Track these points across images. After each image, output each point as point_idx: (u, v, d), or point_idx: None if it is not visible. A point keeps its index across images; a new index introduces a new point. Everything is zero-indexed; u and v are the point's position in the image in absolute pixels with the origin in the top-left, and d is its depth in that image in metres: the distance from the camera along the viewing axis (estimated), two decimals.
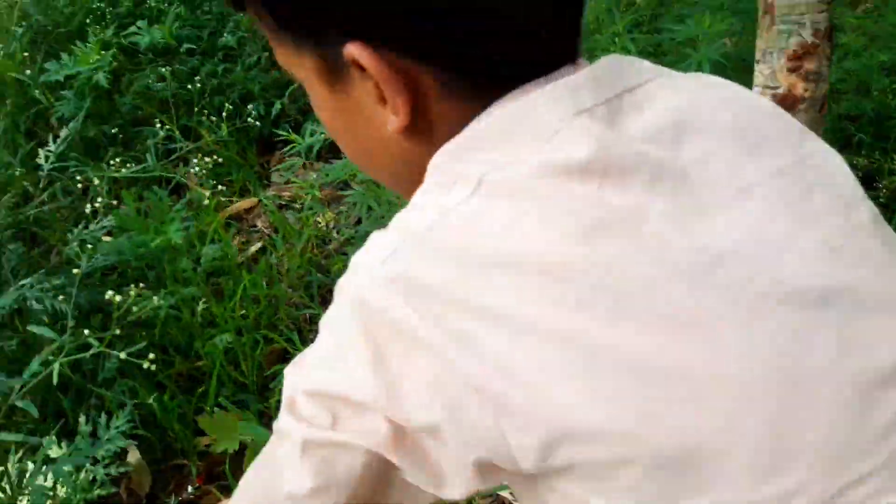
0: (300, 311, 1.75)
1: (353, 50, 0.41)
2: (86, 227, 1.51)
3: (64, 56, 2.14)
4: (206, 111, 2.24)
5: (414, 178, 0.46)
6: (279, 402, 0.48)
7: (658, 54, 1.98)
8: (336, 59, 0.43)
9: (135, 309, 1.23)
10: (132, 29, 2.34)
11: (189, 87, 2.26)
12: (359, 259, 0.43)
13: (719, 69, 1.72)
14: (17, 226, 1.42)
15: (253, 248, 2.06)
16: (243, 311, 1.65)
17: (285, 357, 1.63)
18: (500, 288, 0.38)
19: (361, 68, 0.42)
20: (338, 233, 2.11)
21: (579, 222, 0.39)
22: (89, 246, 1.48)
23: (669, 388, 0.37)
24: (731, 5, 1.79)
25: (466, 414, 0.39)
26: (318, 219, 2.07)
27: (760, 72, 1.50)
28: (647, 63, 0.49)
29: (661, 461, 0.37)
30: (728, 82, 0.52)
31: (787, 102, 1.48)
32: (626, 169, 0.40)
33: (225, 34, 2.23)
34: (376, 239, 0.43)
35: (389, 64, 0.41)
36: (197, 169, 2.06)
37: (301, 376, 0.46)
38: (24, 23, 2.43)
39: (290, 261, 1.85)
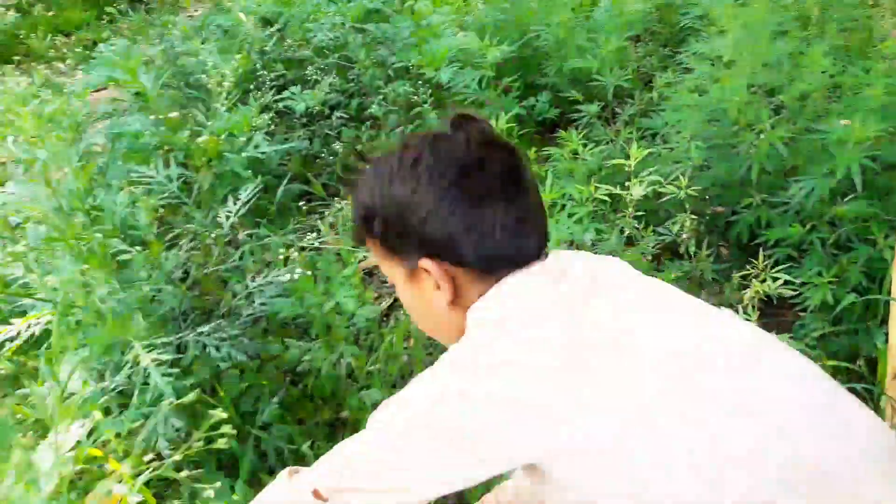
0: None
1: (424, 262, 0.82)
2: (252, 281, 1.65)
3: (227, 114, 2.35)
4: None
5: (453, 333, 0.86)
6: None
7: (803, 152, 1.98)
8: (413, 267, 0.84)
9: (306, 358, 1.33)
10: (286, 94, 2.55)
11: (332, 147, 2.44)
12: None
13: (868, 171, 1.73)
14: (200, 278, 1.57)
15: (384, 304, 2.17)
16: (379, 366, 1.75)
17: None
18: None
19: (427, 271, 0.83)
20: None
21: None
22: (256, 301, 1.61)
23: None
24: (884, 109, 1.79)
25: None
26: None
27: None
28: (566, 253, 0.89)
29: None
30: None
31: None
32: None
33: (373, 104, 2.39)
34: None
35: (441, 267, 0.82)
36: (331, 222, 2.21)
37: None
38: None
39: None
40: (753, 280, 1.67)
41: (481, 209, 0.80)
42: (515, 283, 0.81)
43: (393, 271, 0.89)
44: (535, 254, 0.84)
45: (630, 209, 1.89)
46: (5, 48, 3.87)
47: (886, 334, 1.57)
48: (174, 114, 2.35)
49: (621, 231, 1.91)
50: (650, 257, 1.93)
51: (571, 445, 0.70)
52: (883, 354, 1.61)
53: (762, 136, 1.84)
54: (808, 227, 1.82)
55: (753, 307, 1.63)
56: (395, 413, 0.80)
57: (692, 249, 1.89)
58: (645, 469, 0.69)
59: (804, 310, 1.79)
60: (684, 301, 0.84)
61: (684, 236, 1.91)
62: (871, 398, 1.73)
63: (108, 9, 4.49)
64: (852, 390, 1.81)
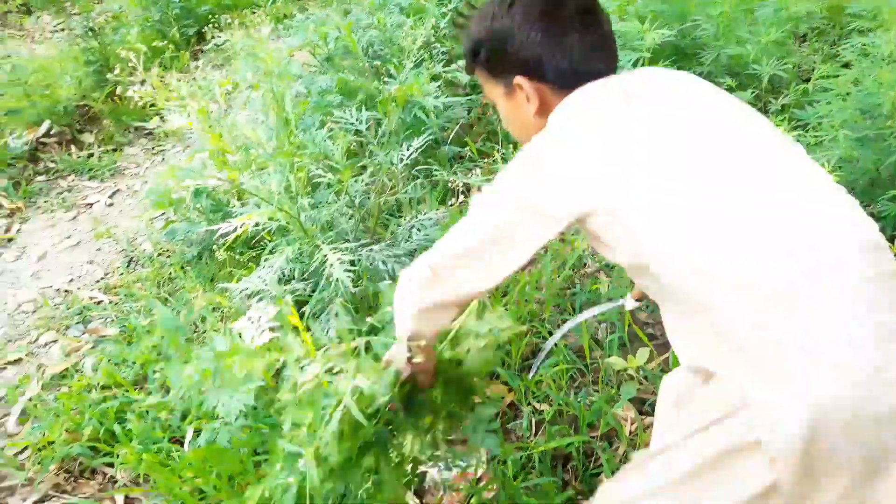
0: (562, 316, 2.02)
1: (517, 79, 1.08)
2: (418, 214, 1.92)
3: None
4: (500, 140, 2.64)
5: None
6: None
7: None
8: (510, 85, 1.10)
9: None
10: (453, 66, 2.81)
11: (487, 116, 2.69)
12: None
13: None
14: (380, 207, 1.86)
15: None
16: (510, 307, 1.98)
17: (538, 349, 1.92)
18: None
19: (520, 87, 1.08)
20: (592, 260, 2.37)
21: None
22: (417, 233, 1.88)
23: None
24: None
25: None
26: (580, 244, 2.35)
27: None
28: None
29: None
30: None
31: None
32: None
33: None
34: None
35: (531, 83, 1.07)
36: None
37: None
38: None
39: (555, 271, 2.14)
40: None
41: (561, 36, 1.05)
42: (586, 89, 1.02)
43: (495, 91, 1.15)
44: (605, 73, 1.06)
45: None
46: (204, 20, 4.43)
47: None
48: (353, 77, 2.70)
49: None
50: None
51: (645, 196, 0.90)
52: None
53: None
54: None
55: None
56: (487, 193, 1.02)
57: None
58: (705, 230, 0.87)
59: None
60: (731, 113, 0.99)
61: None
62: None
63: None
64: None
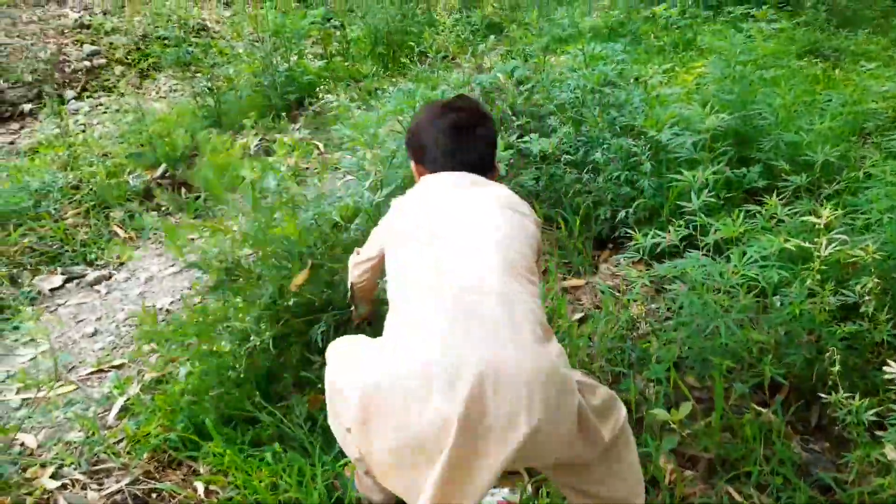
0: (613, 369, 2.17)
1: (412, 163, 1.77)
2: None
3: None
4: (564, 208, 2.85)
5: None
6: None
7: None
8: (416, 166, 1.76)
9: None
10: (526, 138, 3.08)
11: (555, 186, 2.91)
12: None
13: None
14: None
15: (576, 316, 2.56)
16: None
17: None
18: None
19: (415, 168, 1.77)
20: (646, 324, 2.50)
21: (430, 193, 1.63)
22: None
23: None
24: None
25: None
26: (633, 308, 2.49)
27: None
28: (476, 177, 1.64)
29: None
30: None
31: None
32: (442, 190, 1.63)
33: (597, 153, 2.82)
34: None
35: (415, 165, 1.76)
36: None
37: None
38: None
39: (608, 329, 2.29)
40: None
41: (436, 144, 1.64)
42: (428, 181, 1.65)
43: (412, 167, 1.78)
44: (459, 169, 1.63)
45: (816, 263, 2.09)
46: (311, 87, 4.91)
47: None
48: None
49: (802, 281, 2.11)
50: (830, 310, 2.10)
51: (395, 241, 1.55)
52: None
53: None
54: None
55: None
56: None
57: (871, 311, 2.03)
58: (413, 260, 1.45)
59: None
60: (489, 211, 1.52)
61: (866, 298, 2.06)
62: None
63: (391, 66, 5.51)
64: None
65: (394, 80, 5.43)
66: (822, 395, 1.98)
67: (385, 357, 1.28)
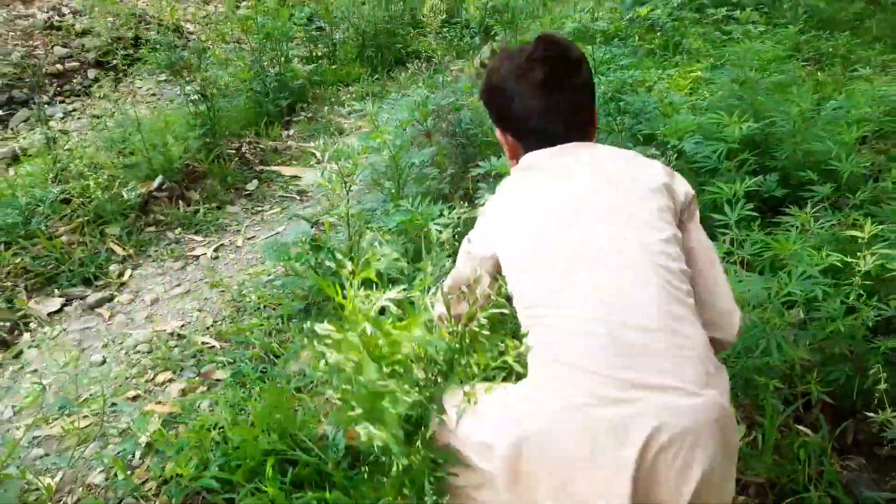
0: None
1: (497, 132, 1.45)
2: None
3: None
4: None
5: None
6: None
7: None
8: (498, 127, 1.43)
9: None
10: None
11: None
12: None
13: None
14: None
15: None
16: None
17: None
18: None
19: (504, 135, 1.42)
20: None
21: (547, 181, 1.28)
22: None
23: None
24: None
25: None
26: None
27: None
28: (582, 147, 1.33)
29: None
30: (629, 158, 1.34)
31: None
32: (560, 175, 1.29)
33: None
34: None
35: (504, 136, 1.43)
36: None
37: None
38: None
39: None
40: None
41: (526, 111, 1.32)
42: (529, 157, 1.34)
43: (498, 133, 1.45)
44: (561, 138, 1.32)
45: (857, 279, 2.07)
46: (302, 92, 4.77)
47: None
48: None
49: (846, 297, 2.09)
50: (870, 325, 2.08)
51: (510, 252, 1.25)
52: None
53: None
54: None
55: None
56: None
57: None
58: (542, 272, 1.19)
59: None
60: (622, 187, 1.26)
61: None
62: None
63: (380, 69, 5.40)
64: None
65: (383, 83, 5.33)
66: (867, 413, 1.96)
67: (534, 400, 1.09)
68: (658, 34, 5.72)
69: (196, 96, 3.65)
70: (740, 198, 2.38)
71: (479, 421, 1.17)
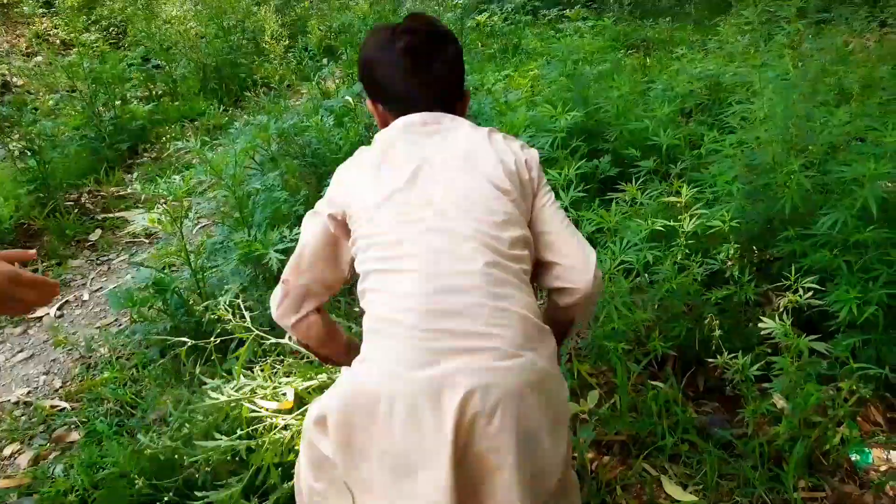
0: None
1: (367, 102, 1.43)
2: None
3: None
4: None
5: None
6: None
7: (826, 192, 2.33)
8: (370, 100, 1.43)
9: None
10: None
11: None
12: None
13: (881, 203, 2.05)
14: None
15: None
16: None
17: None
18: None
19: (375, 106, 1.42)
20: None
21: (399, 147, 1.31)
22: None
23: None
24: (892, 154, 2.14)
25: None
26: None
27: None
28: (443, 116, 1.35)
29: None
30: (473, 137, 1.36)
31: None
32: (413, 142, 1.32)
33: None
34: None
35: (374, 105, 1.42)
36: None
37: None
38: None
39: None
40: (787, 293, 1.99)
41: (393, 79, 1.35)
42: (395, 126, 1.34)
43: (369, 104, 1.45)
44: (425, 107, 1.34)
45: (682, 239, 2.25)
46: (143, 133, 4.59)
47: None
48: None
49: (675, 259, 2.26)
50: (699, 279, 2.27)
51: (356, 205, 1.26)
52: None
53: (793, 177, 2.21)
54: (834, 252, 2.14)
55: (788, 313, 1.95)
56: None
57: (736, 274, 2.22)
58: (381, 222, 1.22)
59: (838, 330, 2.10)
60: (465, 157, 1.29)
61: (729, 263, 2.25)
62: None
63: (225, 100, 5.28)
64: (882, 397, 2.09)
65: (231, 114, 5.22)
66: (709, 360, 2.13)
67: (359, 370, 1.13)
68: (497, 38, 5.96)
69: (20, 151, 3.42)
70: (572, 181, 2.53)
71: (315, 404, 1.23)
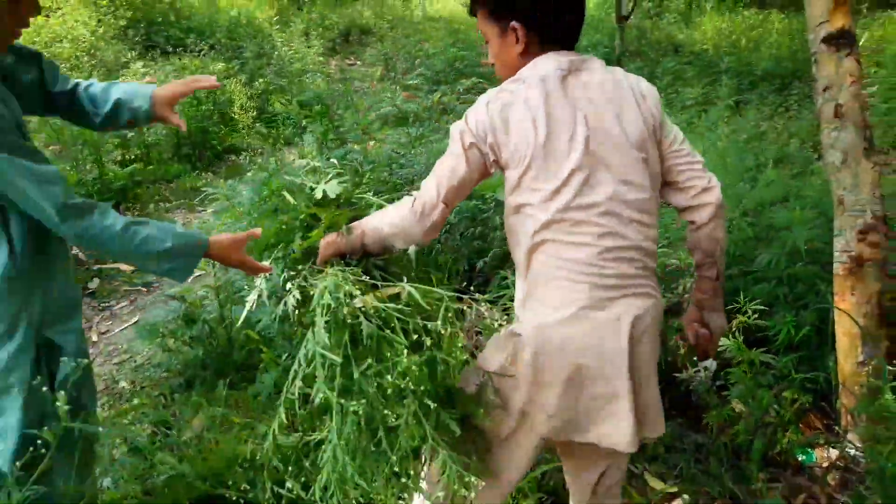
0: None
1: (514, 24, 1.46)
2: None
3: None
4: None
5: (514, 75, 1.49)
6: None
7: (758, 238, 2.82)
8: (505, 28, 1.47)
9: None
10: None
11: None
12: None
13: (807, 243, 2.54)
14: None
15: None
16: None
17: None
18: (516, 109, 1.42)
19: (514, 29, 1.46)
20: None
21: (552, 94, 1.42)
22: None
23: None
24: (812, 205, 2.66)
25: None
26: None
27: (838, 241, 2.28)
28: (596, 60, 1.51)
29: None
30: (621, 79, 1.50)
31: (859, 262, 2.24)
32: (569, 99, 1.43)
33: (452, 215, 3.24)
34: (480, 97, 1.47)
35: (523, 30, 1.46)
36: None
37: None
38: None
39: None
40: (737, 314, 2.42)
41: (557, 10, 1.46)
42: (546, 58, 1.44)
43: (491, 31, 1.51)
44: (569, 45, 1.49)
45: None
46: (124, 192, 4.79)
47: (835, 359, 2.31)
48: None
49: None
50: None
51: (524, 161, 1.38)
52: (834, 371, 2.34)
53: (734, 223, 2.69)
54: (773, 284, 2.61)
55: (739, 332, 2.37)
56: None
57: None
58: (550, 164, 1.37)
59: (779, 351, 2.52)
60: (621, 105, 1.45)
61: (686, 296, 2.67)
62: (830, 405, 2.43)
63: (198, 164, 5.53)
64: (820, 407, 2.49)
65: (206, 178, 5.47)
66: (675, 374, 2.52)
67: (549, 317, 1.38)
68: (450, 115, 6.52)
69: None
70: None
71: (489, 354, 1.49)
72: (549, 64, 1.44)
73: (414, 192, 1.53)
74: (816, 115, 2.40)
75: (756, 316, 2.39)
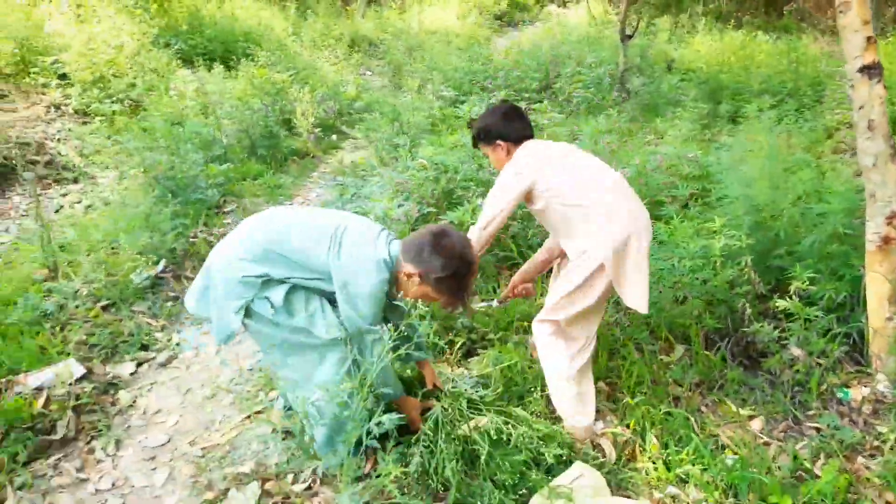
0: None
1: (498, 142, 2.87)
2: None
3: None
4: None
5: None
6: None
7: (796, 226, 3.57)
8: (493, 145, 2.89)
9: None
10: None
11: None
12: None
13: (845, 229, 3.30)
14: None
15: None
16: None
17: None
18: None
19: (499, 145, 2.88)
20: None
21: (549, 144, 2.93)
22: None
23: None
24: (840, 198, 3.42)
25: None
26: None
27: (869, 226, 3.03)
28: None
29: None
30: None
31: (887, 241, 2.99)
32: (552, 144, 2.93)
33: None
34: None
35: (504, 142, 2.88)
36: None
37: None
38: None
39: None
40: (793, 281, 3.15)
41: (512, 123, 2.82)
42: (527, 143, 2.78)
43: (487, 149, 2.88)
44: (530, 136, 2.83)
45: (717, 253, 3.38)
46: (227, 187, 5.34)
47: (866, 317, 3.06)
48: None
49: (713, 267, 3.39)
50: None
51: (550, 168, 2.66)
52: (865, 327, 3.08)
53: (784, 212, 3.43)
54: (816, 260, 3.35)
55: (796, 295, 3.09)
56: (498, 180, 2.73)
57: (753, 276, 3.37)
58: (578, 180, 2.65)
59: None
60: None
61: (747, 268, 3.40)
62: (861, 354, 3.16)
63: (272, 164, 6.07)
64: (851, 356, 3.21)
65: (284, 178, 6.05)
66: (744, 329, 3.24)
67: (608, 233, 2.53)
68: None
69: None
70: None
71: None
72: (527, 145, 2.77)
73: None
74: (852, 123, 3.15)
75: (807, 283, 3.12)
